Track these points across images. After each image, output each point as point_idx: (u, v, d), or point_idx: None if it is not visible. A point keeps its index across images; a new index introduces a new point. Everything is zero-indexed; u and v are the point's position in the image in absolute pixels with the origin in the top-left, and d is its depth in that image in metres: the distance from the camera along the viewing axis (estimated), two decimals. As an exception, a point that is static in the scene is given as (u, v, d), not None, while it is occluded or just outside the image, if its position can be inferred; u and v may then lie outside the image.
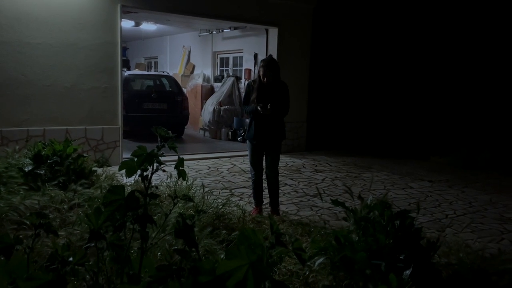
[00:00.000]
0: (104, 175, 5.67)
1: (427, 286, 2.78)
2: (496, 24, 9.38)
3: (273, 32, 9.61)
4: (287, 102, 4.90)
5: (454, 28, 9.88)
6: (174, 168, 1.19)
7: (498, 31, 9.37)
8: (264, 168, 5.12)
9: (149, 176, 1.14)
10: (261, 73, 4.74)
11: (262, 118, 4.79)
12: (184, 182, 5.41)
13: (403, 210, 2.97)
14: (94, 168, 5.62)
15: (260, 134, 4.86)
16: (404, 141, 10.19)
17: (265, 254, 0.95)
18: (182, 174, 1.20)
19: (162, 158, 1.26)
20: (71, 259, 0.91)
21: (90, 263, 1.12)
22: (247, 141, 5.04)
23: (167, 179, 5.35)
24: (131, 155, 1.18)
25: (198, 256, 1.06)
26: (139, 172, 1.23)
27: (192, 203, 4.13)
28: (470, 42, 9.71)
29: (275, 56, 9.62)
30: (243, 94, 13.42)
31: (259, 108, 4.68)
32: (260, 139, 4.88)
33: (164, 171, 1.17)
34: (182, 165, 1.18)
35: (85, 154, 5.98)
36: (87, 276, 0.98)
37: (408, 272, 2.66)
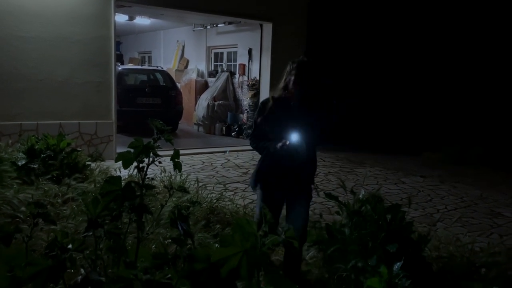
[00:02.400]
0: (97, 170, 5.68)
1: (418, 278, 2.83)
2: (485, 20, 9.45)
3: (268, 27, 9.61)
4: (329, 123, 3.02)
5: (445, 24, 9.94)
6: (170, 160, 1.22)
7: (487, 26, 9.45)
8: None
9: (145, 167, 1.16)
10: (290, 82, 2.87)
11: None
12: (178, 177, 5.44)
13: (394, 204, 3.01)
14: (87, 163, 5.63)
15: (279, 171, 2.91)
16: (397, 137, 10.26)
17: (258, 242, 0.98)
18: (177, 166, 1.22)
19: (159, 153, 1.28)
20: (70, 246, 0.93)
21: (88, 252, 1.14)
22: (257, 186, 3.02)
23: (161, 174, 5.36)
24: (128, 147, 1.21)
25: (193, 245, 1.09)
26: (134, 164, 1.25)
27: (186, 197, 4.15)
28: (461, 38, 9.78)
29: (269, 52, 9.65)
30: (237, 90, 13.18)
31: (280, 144, 2.76)
32: (279, 181, 2.93)
33: (160, 163, 1.19)
34: (178, 157, 1.20)
35: (78, 149, 5.98)
36: (85, 264, 1.00)
37: (399, 264, 2.70)
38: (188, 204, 1.14)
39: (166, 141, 1.16)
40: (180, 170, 1.25)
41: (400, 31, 10.46)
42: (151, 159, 1.14)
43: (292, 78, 2.84)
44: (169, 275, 0.83)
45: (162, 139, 1.31)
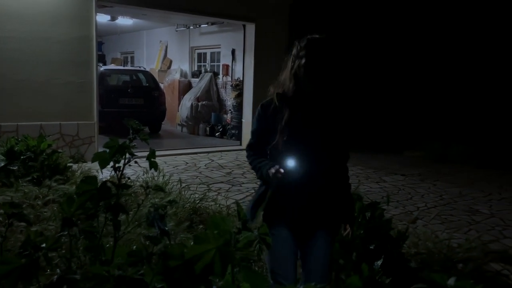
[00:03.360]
0: (79, 171, 5.63)
1: (397, 275, 2.89)
2: (468, 19, 9.64)
3: (251, 27, 9.64)
4: (349, 139, 2.36)
5: (426, 23, 10.11)
6: (146, 159, 1.23)
7: (469, 25, 9.64)
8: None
9: (122, 167, 1.18)
10: (300, 69, 2.04)
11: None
12: (161, 178, 5.43)
13: (373, 202, 3.06)
14: (69, 164, 5.57)
15: (282, 201, 2.10)
16: (378, 136, 10.39)
17: (232, 239, 1.01)
18: (153, 165, 1.23)
19: (138, 153, 1.29)
20: (44, 245, 0.94)
21: (63, 251, 1.15)
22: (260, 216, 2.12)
23: (143, 175, 5.35)
24: (103, 147, 1.22)
25: (170, 243, 1.11)
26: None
27: (170, 197, 4.15)
28: (440, 36, 9.96)
29: (252, 52, 9.67)
30: (221, 90, 13.16)
31: (272, 171, 1.99)
32: (284, 214, 2.13)
33: (136, 162, 1.20)
34: (154, 157, 1.22)
35: (60, 150, 5.92)
36: (61, 263, 1.01)
37: (379, 262, 2.75)
38: (165, 203, 1.16)
39: (142, 140, 1.18)
40: (156, 170, 1.26)
41: (379, 31, 10.61)
42: (127, 159, 1.16)
43: (303, 62, 2.01)
44: (142, 271, 0.85)
45: (149, 141, 1.32)
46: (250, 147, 2.23)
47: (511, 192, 6.55)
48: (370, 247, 2.90)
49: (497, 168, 8.20)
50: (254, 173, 2.19)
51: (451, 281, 0.73)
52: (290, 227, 2.11)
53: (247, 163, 2.26)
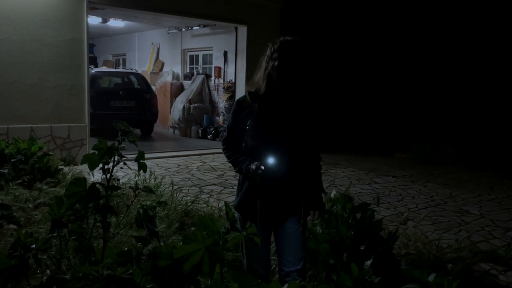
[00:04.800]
0: (70, 174, 5.60)
1: (387, 274, 2.91)
2: (457, 21, 9.75)
3: (242, 30, 9.67)
4: (321, 135, 2.37)
5: (417, 27, 10.20)
6: (134, 161, 1.24)
7: (456, 28, 9.75)
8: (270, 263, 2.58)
9: (111, 169, 1.18)
10: (273, 70, 2.15)
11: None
12: (153, 180, 5.42)
13: (364, 203, 3.09)
14: (60, 167, 5.55)
15: (257, 196, 2.26)
16: (370, 138, 10.45)
17: (221, 239, 1.02)
18: (142, 167, 1.24)
19: (129, 155, 1.30)
20: (33, 246, 0.95)
21: (53, 252, 1.15)
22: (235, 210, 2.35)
23: (135, 177, 5.33)
24: (92, 149, 1.23)
25: (159, 244, 1.12)
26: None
27: (162, 199, 4.15)
28: (432, 39, 10.05)
29: (244, 54, 9.69)
30: (213, 92, 13.17)
31: (252, 168, 2.15)
32: (257, 208, 2.27)
33: (125, 164, 1.21)
34: (143, 158, 1.23)
35: (51, 153, 5.88)
36: (51, 264, 1.02)
37: (369, 262, 2.77)
38: (154, 205, 1.17)
39: (130, 142, 1.19)
40: (145, 171, 1.27)
41: (370, 34, 10.68)
42: (116, 161, 1.17)
43: (276, 63, 2.11)
44: (130, 271, 0.86)
45: (141, 143, 1.33)
46: (226, 141, 2.35)
47: (501, 193, 6.62)
48: (361, 248, 2.92)
49: (487, 169, 8.28)
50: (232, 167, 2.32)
51: (431, 277, 0.75)
52: (263, 218, 2.26)
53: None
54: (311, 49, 2.22)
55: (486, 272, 3.22)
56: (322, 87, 2.25)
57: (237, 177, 2.45)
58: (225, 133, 2.36)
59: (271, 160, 2.11)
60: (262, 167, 2.08)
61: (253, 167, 2.10)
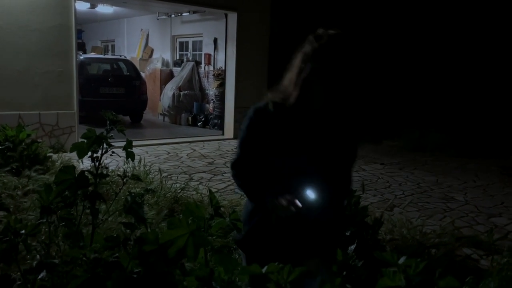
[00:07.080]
0: (59, 161, 5.60)
1: (370, 259, 3.00)
2: (445, 11, 9.80)
3: (232, 16, 9.62)
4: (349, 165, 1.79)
5: (408, 15, 10.24)
6: (123, 150, 1.27)
7: (446, 17, 9.81)
8: None
9: (99, 157, 1.22)
10: (310, 76, 1.55)
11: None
12: (142, 167, 5.44)
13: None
14: (49, 154, 5.54)
15: (279, 234, 1.67)
16: (359, 125, 10.53)
17: (205, 224, 1.07)
18: (130, 155, 1.28)
19: (118, 144, 1.32)
20: (23, 231, 0.98)
21: (43, 238, 1.18)
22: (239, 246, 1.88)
23: (124, 165, 5.34)
24: (80, 137, 1.26)
25: (146, 230, 1.16)
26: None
27: (150, 186, 4.18)
28: (421, 26, 10.11)
29: (234, 41, 9.65)
30: (203, 80, 13.08)
31: (283, 203, 1.53)
32: (277, 247, 1.67)
33: (113, 152, 1.25)
34: (131, 147, 1.26)
35: (39, 140, 5.86)
36: (40, 249, 1.05)
37: (352, 247, 2.84)
38: (142, 192, 1.20)
39: (118, 131, 1.22)
40: (133, 160, 1.30)
41: (362, 23, 10.70)
42: (104, 149, 1.20)
43: (319, 66, 1.53)
44: (117, 255, 0.90)
45: (131, 131, 1.35)
46: (238, 165, 1.72)
47: (486, 180, 6.75)
48: (346, 234, 2.99)
49: (473, 157, 8.42)
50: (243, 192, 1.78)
51: (401, 260, 0.80)
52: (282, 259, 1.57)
53: (230, 155, 1.97)
54: (362, 50, 1.64)
55: (468, 257, 3.32)
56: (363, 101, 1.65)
57: (227, 165, 2.08)
58: (235, 155, 1.73)
59: (311, 195, 1.54)
60: (299, 204, 1.48)
61: (284, 202, 1.50)
